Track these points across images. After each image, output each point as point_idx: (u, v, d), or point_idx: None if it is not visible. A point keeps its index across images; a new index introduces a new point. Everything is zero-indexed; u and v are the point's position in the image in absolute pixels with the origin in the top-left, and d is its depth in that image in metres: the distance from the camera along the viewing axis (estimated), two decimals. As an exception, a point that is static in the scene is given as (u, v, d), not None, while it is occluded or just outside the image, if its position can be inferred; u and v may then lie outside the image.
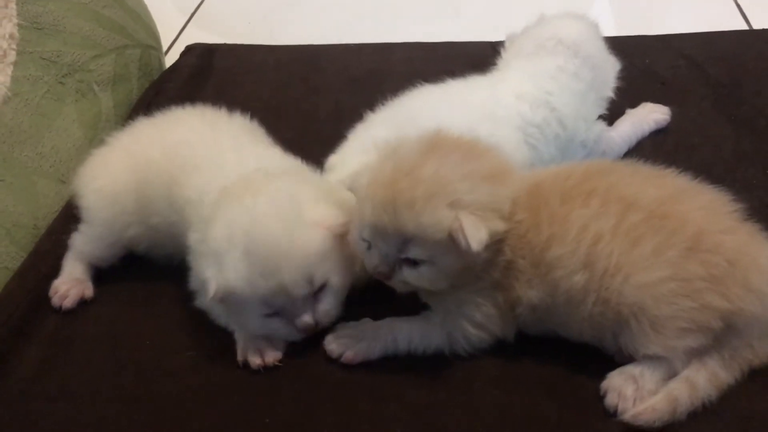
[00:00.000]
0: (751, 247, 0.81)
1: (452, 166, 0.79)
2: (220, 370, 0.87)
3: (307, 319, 0.85)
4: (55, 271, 1.01)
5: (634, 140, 1.14)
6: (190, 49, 1.49)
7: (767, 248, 0.83)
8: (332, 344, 0.87)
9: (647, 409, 0.77)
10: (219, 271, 0.83)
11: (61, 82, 1.21)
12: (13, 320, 0.94)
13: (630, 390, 0.78)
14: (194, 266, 0.91)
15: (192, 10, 2.06)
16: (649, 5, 1.94)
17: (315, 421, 0.82)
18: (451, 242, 0.77)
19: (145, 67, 1.40)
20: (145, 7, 1.50)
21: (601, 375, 0.82)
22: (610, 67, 1.11)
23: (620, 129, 1.14)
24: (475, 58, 1.34)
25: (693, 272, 0.78)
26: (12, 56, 1.15)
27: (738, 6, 1.81)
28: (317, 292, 0.86)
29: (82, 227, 1.01)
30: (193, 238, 0.90)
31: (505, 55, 1.14)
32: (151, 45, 1.44)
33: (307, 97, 1.36)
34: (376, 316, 0.90)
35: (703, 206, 0.82)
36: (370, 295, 0.92)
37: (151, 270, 1.01)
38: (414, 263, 0.80)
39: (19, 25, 1.19)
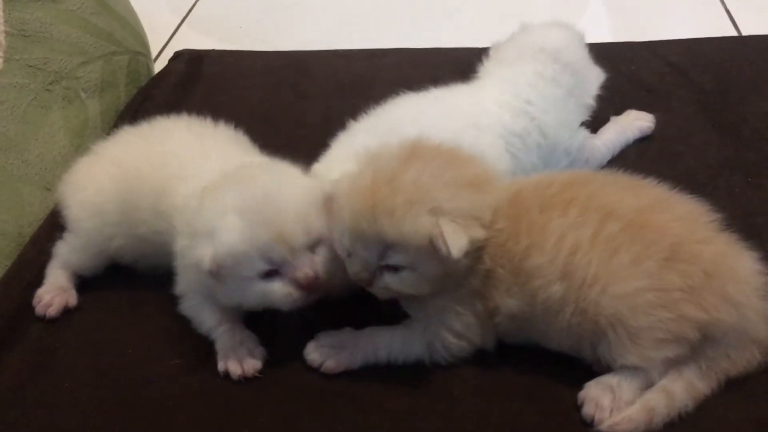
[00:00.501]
0: (729, 258, 0.82)
1: (433, 173, 0.80)
2: (202, 379, 0.87)
3: (307, 270, 0.83)
4: (39, 279, 1.01)
5: (618, 148, 1.15)
6: (178, 55, 1.49)
7: (745, 258, 0.83)
8: (313, 353, 0.88)
9: (624, 420, 0.77)
10: (212, 244, 0.82)
11: (47, 89, 1.21)
12: (-4, 328, 0.94)
13: (607, 400, 0.79)
14: (180, 271, 0.92)
15: (185, 13, 2.06)
16: (643, 11, 1.94)
17: (295, 430, 0.82)
18: (432, 249, 0.77)
19: (133, 73, 1.40)
20: (133, 14, 1.50)
21: (580, 384, 0.82)
22: (593, 76, 1.11)
23: (604, 137, 1.14)
24: (465, 64, 1.33)
25: (670, 283, 0.78)
26: (-1, 64, 1.16)
27: (727, 12, 1.81)
28: (314, 246, 0.85)
29: (66, 237, 1.02)
30: (180, 245, 0.90)
31: (488, 63, 1.14)
32: (139, 51, 1.44)
33: (295, 103, 1.36)
34: (358, 326, 0.90)
35: (681, 216, 0.83)
36: (352, 304, 0.93)
37: (134, 278, 1.01)
38: (395, 269, 0.81)
39: (6, 33, 1.19)
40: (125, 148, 1.02)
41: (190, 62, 1.46)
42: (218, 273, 0.83)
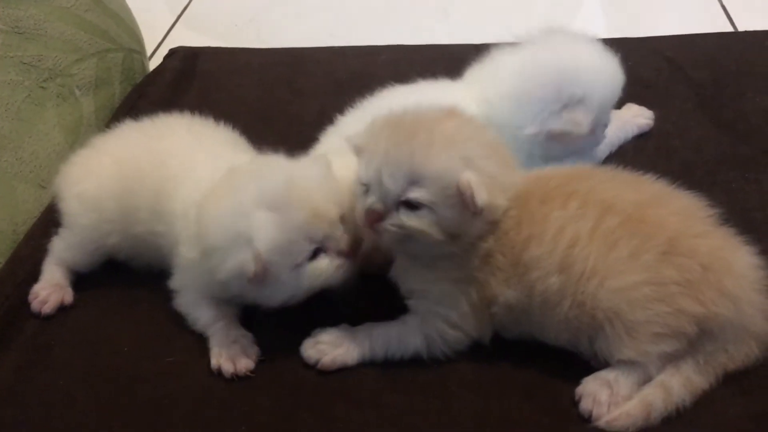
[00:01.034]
0: (726, 252, 0.81)
1: (472, 131, 0.84)
2: (198, 377, 0.87)
3: (346, 238, 0.86)
4: (33, 276, 1.00)
5: (616, 144, 1.14)
6: (173, 53, 1.48)
7: (742, 252, 0.83)
8: (310, 350, 0.87)
9: (621, 415, 0.77)
10: (247, 248, 0.81)
11: (42, 87, 1.21)
12: (-9, 326, 0.94)
13: (604, 395, 0.79)
14: (179, 269, 0.92)
15: (180, 11, 2.06)
16: (638, 7, 1.94)
17: (292, 427, 0.82)
18: (456, 194, 0.79)
19: (128, 71, 1.39)
20: (128, 11, 1.50)
21: (578, 380, 0.82)
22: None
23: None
24: (460, 60, 1.33)
25: (668, 276, 0.78)
26: (-8, 61, 1.15)
27: (723, 7, 1.81)
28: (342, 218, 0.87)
29: (62, 232, 1.01)
30: (183, 251, 0.91)
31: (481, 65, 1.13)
32: (134, 48, 1.44)
33: (291, 100, 1.36)
34: (354, 323, 0.90)
35: (679, 211, 0.83)
36: (348, 301, 0.92)
37: (130, 276, 1.00)
38: (413, 207, 0.80)
39: (0, 30, 1.18)
40: (126, 143, 1.01)
41: (185, 59, 1.45)
42: (264, 274, 0.82)
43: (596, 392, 0.79)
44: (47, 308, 0.96)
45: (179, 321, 0.94)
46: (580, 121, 0.97)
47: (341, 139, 0.95)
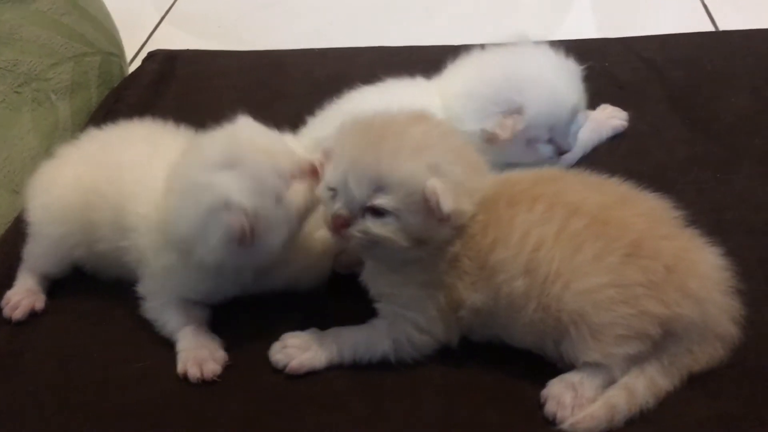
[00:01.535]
0: (691, 253, 0.82)
1: (440, 135, 0.84)
2: (167, 383, 0.87)
3: (305, 162, 0.88)
4: (7, 282, 1.01)
5: (590, 146, 1.14)
6: (152, 56, 1.48)
7: (707, 253, 0.83)
8: (278, 354, 0.87)
9: (585, 417, 0.77)
10: (223, 212, 0.82)
11: (17, 92, 1.21)
12: (-38, 332, 0.94)
13: (569, 398, 0.79)
14: (152, 276, 0.92)
15: (164, 12, 2.06)
16: (627, 7, 1.94)
17: (260, 432, 0.82)
18: (421, 200, 0.79)
19: (105, 74, 1.39)
20: (107, 14, 1.50)
21: (543, 382, 0.82)
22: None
23: (578, 135, 1.14)
24: (438, 62, 1.33)
25: (632, 278, 0.78)
26: (-33, 67, 1.15)
27: (705, 7, 1.81)
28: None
29: (29, 240, 1.01)
30: (154, 262, 0.91)
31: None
32: (112, 52, 1.44)
33: (270, 102, 1.35)
34: (323, 326, 0.90)
35: (644, 212, 0.83)
36: (317, 305, 0.93)
37: (102, 282, 1.00)
38: (379, 213, 0.81)
39: (-25, 35, 1.19)
40: (86, 156, 1.00)
41: (163, 62, 1.45)
42: (254, 224, 0.83)
43: (561, 395, 0.79)
44: (18, 314, 0.97)
45: (149, 327, 0.94)
46: (506, 126, 0.98)
47: (309, 142, 0.97)
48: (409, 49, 1.51)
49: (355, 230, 0.82)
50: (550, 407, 0.79)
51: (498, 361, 0.85)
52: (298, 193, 0.87)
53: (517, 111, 0.98)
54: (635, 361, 0.80)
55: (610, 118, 1.16)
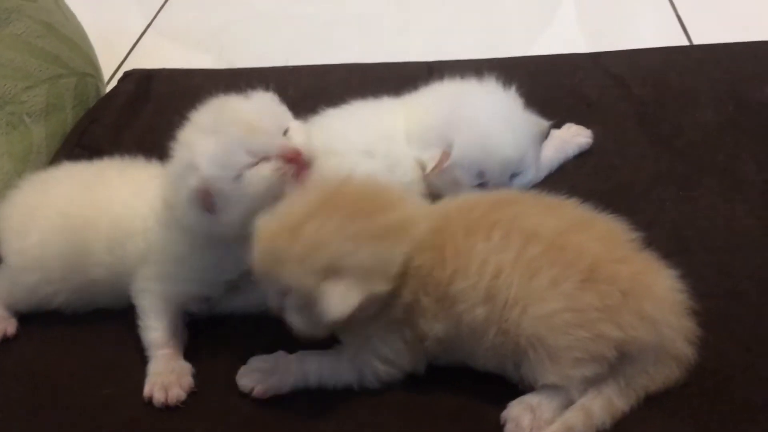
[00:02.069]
0: (646, 276, 0.83)
1: (338, 225, 0.80)
2: (133, 408, 0.88)
3: (287, 144, 0.88)
4: (-22, 307, 1.01)
5: (555, 164, 1.16)
6: (127, 75, 1.49)
7: (663, 276, 0.85)
8: (243, 378, 0.89)
9: (543, 439, 0.79)
10: (192, 175, 0.86)
11: (-10, 116, 1.21)
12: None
13: (527, 420, 0.80)
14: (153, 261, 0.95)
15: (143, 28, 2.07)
16: (604, 20, 1.94)
17: (224, 456, 0.83)
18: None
19: (81, 95, 1.40)
20: (83, 35, 1.50)
21: (504, 404, 0.83)
22: None
23: (543, 153, 1.15)
24: (411, 79, 1.35)
25: (588, 303, 0.79)
26: (-60, 91, 1.16)
27: (679, 20, 1.82)
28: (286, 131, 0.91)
29: (2, 275, 1.01)
30: (154, 237, 0.94)
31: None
32: (88, 72, 1.44)
33: (242, 122, 1.37)
34: (292, 349, 0.91)
35: (600, 236, 0.84)
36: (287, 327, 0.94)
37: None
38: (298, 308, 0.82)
39: (-53, 60, 1.19)
40: (68, 196, 1.00)
41: (139, 82, 1.46)
42: (207, 191, 0.85)
43: (519, 417, 0.81)
44: (-10, 339, 0.98)
45: (119, 350, 0.96)
46: (432, 159, 1.00)
47: None
48: (384, 66, 1.52)
49: (287, 320, 0.84)
50: (509, 429, 0.81)
51: (460, 383, 0.87)
52: (259, 175, 0.86)
53: (449, 147, 1.00)
54: (593, 382, 0.81)
55: (575, 137, 1.18)
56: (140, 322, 0.94)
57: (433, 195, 1.04)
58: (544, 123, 1.13)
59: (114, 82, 1.62)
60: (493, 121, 1.02)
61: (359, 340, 0.87)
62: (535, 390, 0.83)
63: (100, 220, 0.96)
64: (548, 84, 1.34)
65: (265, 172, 0.86)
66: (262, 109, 0.91)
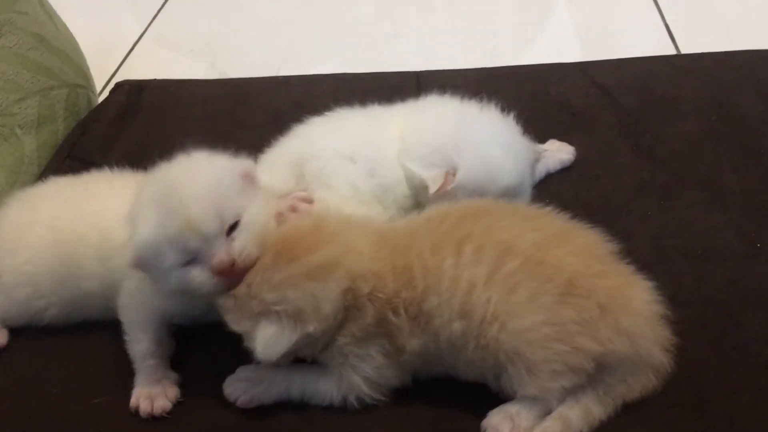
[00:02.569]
0: (624, 291, 0.84)
1: (270, 274, 0.83)
2: (121, 419, 0.90)
3: (222, 255, 0.82)
4: (-31, 319, 1.03)
5: (537, 179, 1.17)
6: (119, 87, 1.50)
7: (639, 289, 0.86)
8: (229, 388, 0.90)
9: (521, 447, 0.80)
10: (133, 234, 0.85)
11: (-18, 128, 1.23)
12: None
13: (506, 428, 0.82)
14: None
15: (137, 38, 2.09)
16: (594, 29, 1.96)
17: (209, 466, 0.85)
18: None
19: (72, 106, 1.41)
20: (75, 46, 1.52)
21: (485, 413, 0.85)
22: None
23: None
24: (400, 88, 1.37)
25: (566, 317, 0.80)
26: (-68, 104, 1.18)
27: (667, 28, 1.84)
28: (231, 230, 0.85)
29: None
30: None
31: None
32: (80, 84, 1.46)
33: (232, 131, 1.38)
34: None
35: (578, 250, 0.85)
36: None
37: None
38: None
39: (-61, 73, 1.21)
40: (55, 211, 1.01)
41: (130, 93, 1.47)
42: (140, 265, 0.86)
43: (498, 425, 0.82)
44: (-19, 351, 0.99)
45: (109, 361, 0.97)
46: (435, 180, 1.01)
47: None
48: (373, 76, 1.53)
49: None
50: (489, 437, 0.83)
51: (441, 392, 0.88)
52: (187, 278, 0.85)
53: (453, 171, 1.01)
54: (571, 392, 0.83)
55: (557, 152, 1.19)
56: (126, 336, 0.95)
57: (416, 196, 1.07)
58: (539, 149, 1.15)
59: (107, 92, 1.64)
60: (497, 148, 1.03)
61: (336, 359, 0.87)
62: (515, 398, 0.84)
63: (89, 233, 0.97)
64: (533, 93, 1.36)
65: (192, 275, 0.85)
66: (212, 197, 0.84)
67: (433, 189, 1.00)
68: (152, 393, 0.89)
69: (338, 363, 0.87)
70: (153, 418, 0.88)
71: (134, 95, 1.47)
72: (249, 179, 0.88)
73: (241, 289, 0.84)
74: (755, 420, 0.84)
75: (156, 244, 0.83)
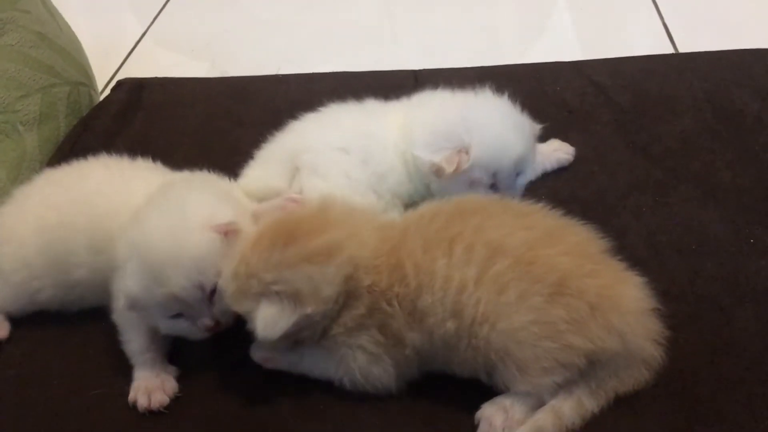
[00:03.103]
0: (614, 289, 0.84)
1: (268, 255, 0.84)
2: (120, 411, 0.91)
3: (206, 321, 0.89)
4: (-30, 311, 1.04)
5: (534, 176, 1.17)
6: (120, 84, 1.52)
7: (630, 286, 0.86)
8: (255, 352, 0.92)
9: (514, 439, 0.81)
10: (124, 282, 0.88)
11: (-16, 125, 1.24)
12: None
13: (500, 420, 0.83)
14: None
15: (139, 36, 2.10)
16: (592, 29, 1.97)
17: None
18: None
19: (74, 104, 1.43)
20: (76, 43, 1.53)
21: (479, 405, 0.86)
22: None
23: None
24: (398, 87, 1.38)
25: (556, 316, 0.81)
26: (-65, 101, 1.19)
27: (666, 28, 1.85)
28: (213, 293, 0.88)
29: None
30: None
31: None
32: (81, 82, 1.47)
33: (231, 130, 1.39)
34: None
35: (569, 250, 0.85)
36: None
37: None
38: None
39: (-58, 71, 1.22)
40: (45, 197, 1.03)
41: (131, 91, 1.49)
42: (132, 308, 0.89)
43: (492, 417, 0.83)
44: (-17, 343, 1.00)
45: (108, 353, 0.98)
46: (453, 161, 1.02)
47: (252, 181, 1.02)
48: (372, 74, 1.54)
49: None
50: (482, 428, 0.84)
51: (436, 384, 0.89)
52: (176, 327, 0.91)
53: (465, 150, 1.03)
54: (564, 385, 0.83)
55: (555, 151, 1.20)
56: (120, 337, 0.96)
57: (412, 187, 1.10)
58: (537, 126, 1.16)
59: (109, 91, 1.65)
60: (503, 121, 1.06)
61: (332, 347, 0.88)
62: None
63: (77, 220, 0.98)
64: (530, 91, 1.36)
65: (182, 326, 0.91)
66: (196, 270, 0.87)
67: (449, 169, 1.02)
68: (150, 387, 0.90)
69: (335, 350, 0.88)
70: (151, 413, 0.89)
71: (135, 93, 1.48)
72: (231, 234, 0.90)
73: (240, 267, 0.85)
74: (747, 413, 0.85)
75: (144, 302, 0.88)
